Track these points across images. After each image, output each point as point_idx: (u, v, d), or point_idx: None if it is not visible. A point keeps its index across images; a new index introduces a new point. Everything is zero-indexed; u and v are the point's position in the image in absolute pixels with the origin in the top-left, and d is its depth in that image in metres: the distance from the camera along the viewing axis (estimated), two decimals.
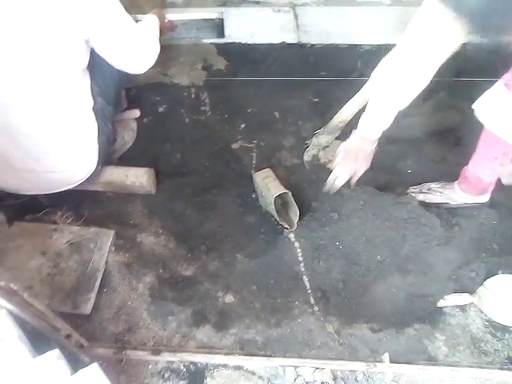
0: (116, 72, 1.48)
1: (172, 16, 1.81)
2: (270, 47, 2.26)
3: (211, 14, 2.36)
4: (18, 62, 1.22)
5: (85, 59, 1.36)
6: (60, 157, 1.45)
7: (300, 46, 2.27)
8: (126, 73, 1.49)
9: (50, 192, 1.56)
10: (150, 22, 1.59)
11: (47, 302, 1.34)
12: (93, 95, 1.47)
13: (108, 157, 1.72)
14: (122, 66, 1.46)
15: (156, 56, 1.54)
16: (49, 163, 1.44)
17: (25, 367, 0.85)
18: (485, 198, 1.63)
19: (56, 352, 0.91)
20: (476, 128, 1.92)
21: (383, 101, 1.28)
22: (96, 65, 1.42)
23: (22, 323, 0.93)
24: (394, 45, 1.49)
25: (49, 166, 1.45)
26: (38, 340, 0.98)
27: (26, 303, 0.94)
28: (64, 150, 1.44)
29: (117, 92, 1.58)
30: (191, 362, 1.29)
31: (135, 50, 1.44)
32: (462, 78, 2.12)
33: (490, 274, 1.52)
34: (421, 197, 1.68)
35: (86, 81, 1.43)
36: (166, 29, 1.73)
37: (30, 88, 1.27)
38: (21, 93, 1.27)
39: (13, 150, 1.38)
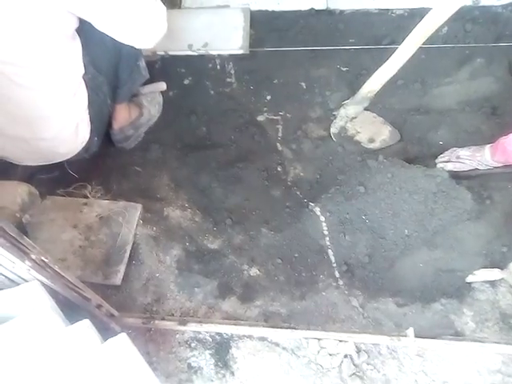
0: (110, 41, 1.38)
1: None
2: (297, 14, 2.19)
3: None
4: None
5: (68, 26, 1.29)
6: (48, 122, 1.42)
7: (328, 13, 2.18)
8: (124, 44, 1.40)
9: (50, 163, 1.57)
10: None
11: (79, 274, 1.39)
12: (84, 64, 1.42)
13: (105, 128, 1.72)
14: (121, 38, 1.36)
15: (164, 25, 1.40)
16: (37, 129, 1.42)
17: (57, 336, 0.89)
18: None
19: (87, 322, 0.94)
20: None
21: None
22: (86, 32, 1.37)
23: (54, 294, 0.98)
24: (428, 9, 1.42)
25: (37, 133, 1.43)
26: (70, 310, 1.03)
27: (57, 275, 0.98)
28: (51, 115, 1.42)
29: (112, 62, 1.53)
30: (217, 333, 1.33)
31: (131, 17, 1.30)
32: (501, 43, 2.00)
33: None
34: (450, 166, 1.63)
35: (75, 47, 1.38)
36: None
37: (10, 51, 1.24)
38: (1, 56, 1.24)
39: (1, 117, 1.38)
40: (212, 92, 2.01)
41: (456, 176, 1.59)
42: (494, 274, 1.44)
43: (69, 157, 1.58)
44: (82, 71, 1.44)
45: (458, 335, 1.35)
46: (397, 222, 1.50)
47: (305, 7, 2.20)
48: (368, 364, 1.29)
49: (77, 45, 1.39)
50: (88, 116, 1.53)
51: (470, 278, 1.44)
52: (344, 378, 1.26)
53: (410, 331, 1.32)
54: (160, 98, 1.95)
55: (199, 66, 2.07)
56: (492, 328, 1.36)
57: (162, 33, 1.41)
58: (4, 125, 1.41)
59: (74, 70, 1.41)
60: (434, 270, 1.47)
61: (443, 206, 1.49)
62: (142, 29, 1.35)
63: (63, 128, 1.47)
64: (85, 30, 1.35)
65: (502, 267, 1.44)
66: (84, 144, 1.57)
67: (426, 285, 1.45)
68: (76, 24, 1.31)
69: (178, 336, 1.32)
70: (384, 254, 1.50)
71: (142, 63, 1.66)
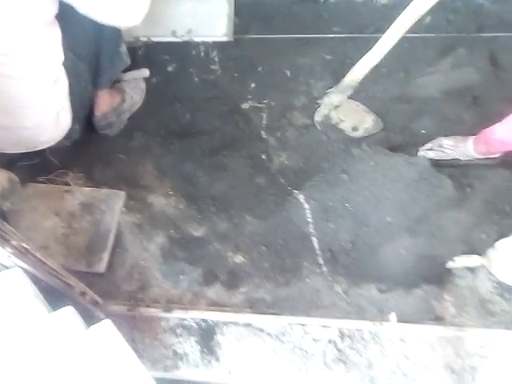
0: (89, 25, 1.31)
1: None
2: (282, 2, 2.17)
3: None
4: None
5: (48, 12, 1.24)
6: (30, 111, 1.40)
7: (313, 1, 2.17)
8: (104, 27, 1.31)
9: (30, 150, 1.55)
10: None
11: (62, 261, 1.37)
12: (63, 50, 1.38)
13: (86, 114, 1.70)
14: (102, 16, 1.26)
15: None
16: (19, 118, 1.40)
17: (40, 322, 0.88)
18: (497, 154, 1.59)
19: (70, 308, 0.94)
20: (494, 87, 1.87)
21: None
22: (65, 18, 1.31)
23: (37, 281, 0.96)
24: None
25: (20, 121, 1.41)
26: (54, 297, 1.02)
27: (39, 261, 0.96)
28: (33, 104, 1.39)
29: (92, 48, 1.51)
30: (202, 319, 1.33)
31: None
32: (483, 33, 2.03)
33: (502, 236, 1.50)
34: (431, 154, 1.65)
35: (54, 34, 1.34)
36: None
37: None
38: None
39: None
40: (196, 79, 1.99)
41: (437, 164, 1.62)
42: (474, 260, 1.47)
43: (50, 144, 1.55)
44: (62, 58, 1.40)
45: (438, 320, 1.38)
46: (379, 209, 1.52)
47: None
48: (351, 349, 1.31)
49: (56, 31, 1.35)
50: (69, 103, 1.50)
51: (450, 264, 1.47)
52: (328, 362, 1.28)
53: (393, 316, 1.34)
54: (143, 85, 1.92)
55: (183, 52, 2.04)
56: (471, 313, 1.39)
57: (145, 8, 1.29)
58: None
59: (54, 57, 1.38)
60: (416, 256, 1.49)
61: (425, 194, 1.51)
62: (124, 4, 1.24)
63: (44, 116, 1.44)
64: (63, 15, 1.30)
65: (481, 254, 1.47)
66: (65, 132, 1.54)
67: (408, 271, 1.48)
68: (55, 10, 1.27)
69: (163, 323, 1.32)
70: (367, 240, 1.52)
71: (124, 49, 1.63)
